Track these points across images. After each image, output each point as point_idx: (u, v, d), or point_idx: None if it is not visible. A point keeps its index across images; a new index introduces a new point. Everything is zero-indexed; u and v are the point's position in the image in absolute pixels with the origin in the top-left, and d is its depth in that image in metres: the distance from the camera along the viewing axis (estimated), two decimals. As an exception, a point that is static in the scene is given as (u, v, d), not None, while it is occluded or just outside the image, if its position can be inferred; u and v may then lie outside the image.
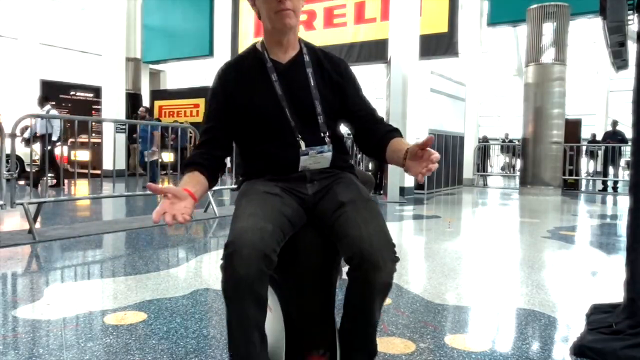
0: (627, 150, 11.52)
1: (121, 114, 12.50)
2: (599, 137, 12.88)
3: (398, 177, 8.01)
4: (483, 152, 13.09)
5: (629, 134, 2.69)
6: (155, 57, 15.36)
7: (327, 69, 1.55)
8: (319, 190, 1.50)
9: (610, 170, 11.49)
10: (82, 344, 1.94)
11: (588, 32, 19.71)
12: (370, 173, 9.47)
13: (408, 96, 8.27)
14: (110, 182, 8.21)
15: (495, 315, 2.44)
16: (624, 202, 8.34)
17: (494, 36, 20.45)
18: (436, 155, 1.24)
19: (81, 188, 8.91)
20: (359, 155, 10.37)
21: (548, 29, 9.28)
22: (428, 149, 1.25)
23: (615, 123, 11.91)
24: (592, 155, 12.93)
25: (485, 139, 16.35)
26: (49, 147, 6.89)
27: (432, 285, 2.94)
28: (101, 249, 3.99)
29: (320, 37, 12.25)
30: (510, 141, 17.56)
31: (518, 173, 11.44)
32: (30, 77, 14.39)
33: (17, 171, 4.39)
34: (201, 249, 3.94)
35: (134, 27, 14.99)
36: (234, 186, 7.88)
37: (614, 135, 11.38)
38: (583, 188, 11.48)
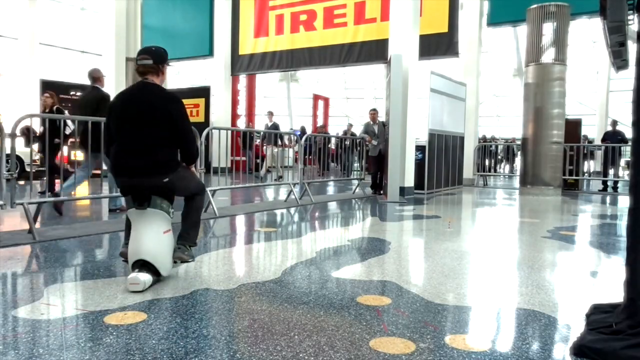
0: (627, 150, 11.51)
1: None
2: (594, 138, 12.85)
3: (398, 177, 7.99)
4: (483, 152, 13.09)
5: (629, 133, 2.69)
6: (155, 57, 15.35)
7: None
8: None
9: (610, 170, 11.49)
10: (82, 344, 1.94)
11: (588, 32, 19.75)
12: (369, 173, 9.48)
13: (408, 96, 8.27)
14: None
15: (495, 315, 2.45)
16: (624, 202, 8.34)
17: (494, 36, 20.49)
18: None
19: (81, 188, 8.90)
20: (356, 159, 10.38)
21: (548, 29, 9.27)
22: None
23: (615, 123, 11.90)
24: (591, 155, 12.93)
25: (492, 139, 16.29)
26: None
27: (432, 285, 2.94)
28: (101, 249, 3.99)
29: (320, 37, 12.24)
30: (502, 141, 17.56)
31: (518, 173, 11.43)
32: (30, 77, 14.40)
33: (17, 171, 4.38)
34: (201, 249, 3.93)
35: (134, 27, 14.97)
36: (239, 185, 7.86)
37: (613, 135, 11.38)
38: (584, 188, 11.48)
